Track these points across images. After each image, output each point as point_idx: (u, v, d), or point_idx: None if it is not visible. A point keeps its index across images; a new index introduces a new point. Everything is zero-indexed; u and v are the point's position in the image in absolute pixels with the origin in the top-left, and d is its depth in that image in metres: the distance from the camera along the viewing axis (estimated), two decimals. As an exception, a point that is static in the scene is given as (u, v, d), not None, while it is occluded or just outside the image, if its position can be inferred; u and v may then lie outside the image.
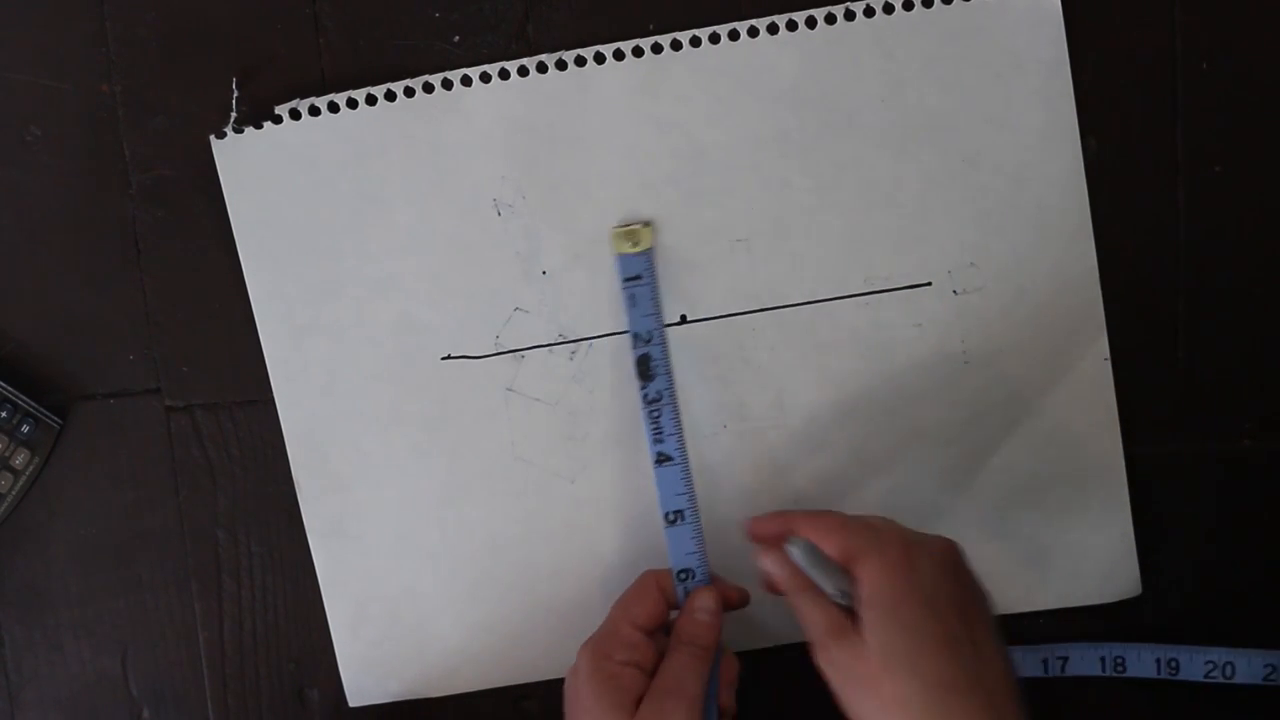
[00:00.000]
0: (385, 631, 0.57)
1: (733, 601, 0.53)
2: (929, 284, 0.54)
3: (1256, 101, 0.54)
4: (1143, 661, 0.55)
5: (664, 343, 0.53)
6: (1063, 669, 0.55)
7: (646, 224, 0.53)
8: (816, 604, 0.48)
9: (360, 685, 0.57)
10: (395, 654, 0.57)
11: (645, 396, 0.53)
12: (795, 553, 0.48)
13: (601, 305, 0.55)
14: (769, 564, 0.50)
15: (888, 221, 0.54)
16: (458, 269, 0.55)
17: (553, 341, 0.55)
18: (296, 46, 0.55)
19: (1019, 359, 0.54)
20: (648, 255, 0.53)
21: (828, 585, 0.48)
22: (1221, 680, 0.54)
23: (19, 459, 0.56)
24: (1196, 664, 0.54)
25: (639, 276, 0.53)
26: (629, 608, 0.52)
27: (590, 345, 0.55)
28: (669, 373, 0.53)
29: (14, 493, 0.56)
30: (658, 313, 0.53)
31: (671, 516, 0.53)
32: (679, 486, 0.53)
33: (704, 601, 0.52)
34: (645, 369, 0.53)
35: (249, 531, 0.57)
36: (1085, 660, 0.55)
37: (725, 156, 0.54)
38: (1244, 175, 0.54)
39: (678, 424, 0.53)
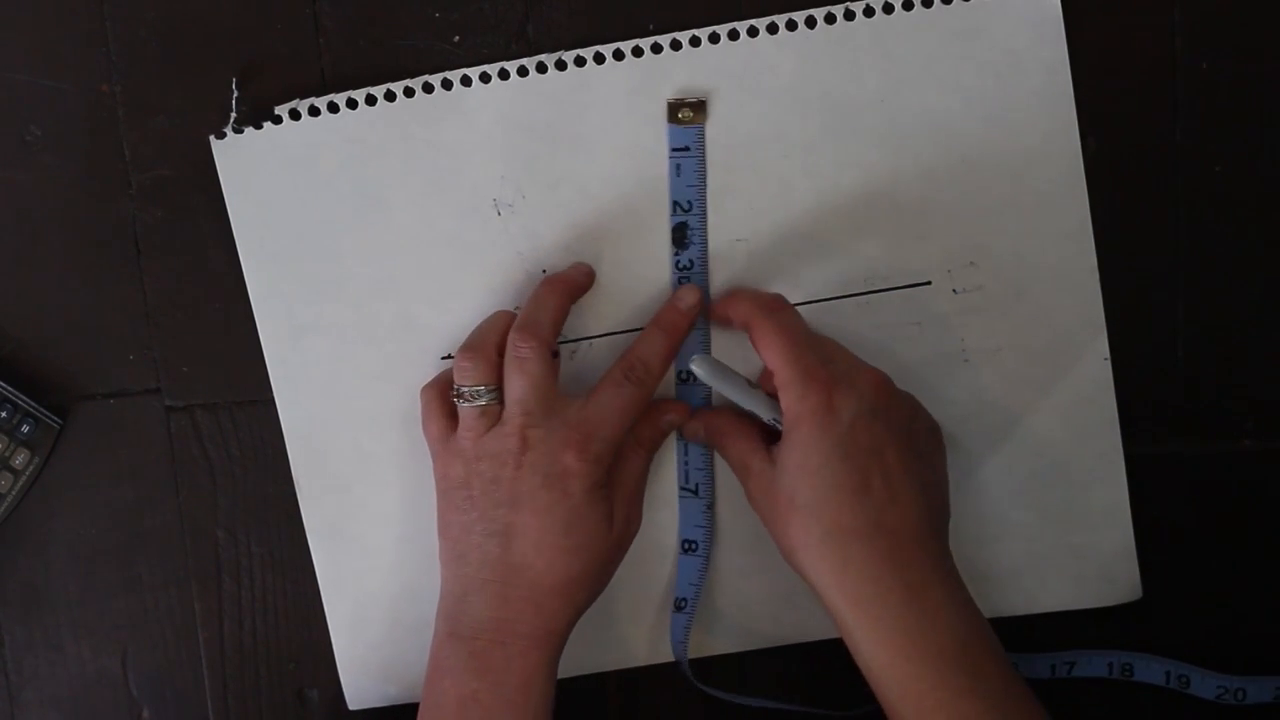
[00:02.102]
0: (385, 634, 0.57)
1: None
2: (929, 283, 0.54)
3: (1256, 101, 0.54)
4: (1151, 671, 0.55)
5: (703, 215, 0.53)
6: (1070, 671, 0.55)
7: (701, 100, 0.53)
8: (738, 450, 0.51)
9: (359, 689, 0.57)
10: (395, 657, 0.57)
11: (677, 263, 0.54)
12: (697, 367, 0.51)
13: (601, 305, 0.55)
14: (691, 428, 0.53)
15: (888, 221, 0.54)
16: (458, 269, 0.55)
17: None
18: (296, 46, 0.55)
19: (1019, 358, 0.54)
20: (699, 129, 0.53)
21: (744, 401, 0.51)
22: (1233, 703, 0.54)
23: (19, 459, 0.56)
24: (1209, 685, 0.54)
25: (687, 148, 0.53)
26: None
27: (590, 345, 0.55)
28: (704, 243, 0.54)
29: (14, 493, 0.56)
30: (701, 185, 0.53)
31: (684, 375, 0.54)
32: (696, 348, 0.54)
33: (689, 295, 0.53)
34: (681, 236, 0.53)
35: (249, 531, 0.57)
36: (1093, 664, 0.55)
37: (725, 156, 0.54)
38: (1244, 175, 0.54)
39: (706, 294, 0.54)
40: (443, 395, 0.52)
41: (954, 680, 0.45)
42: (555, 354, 0.52)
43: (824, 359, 0.49)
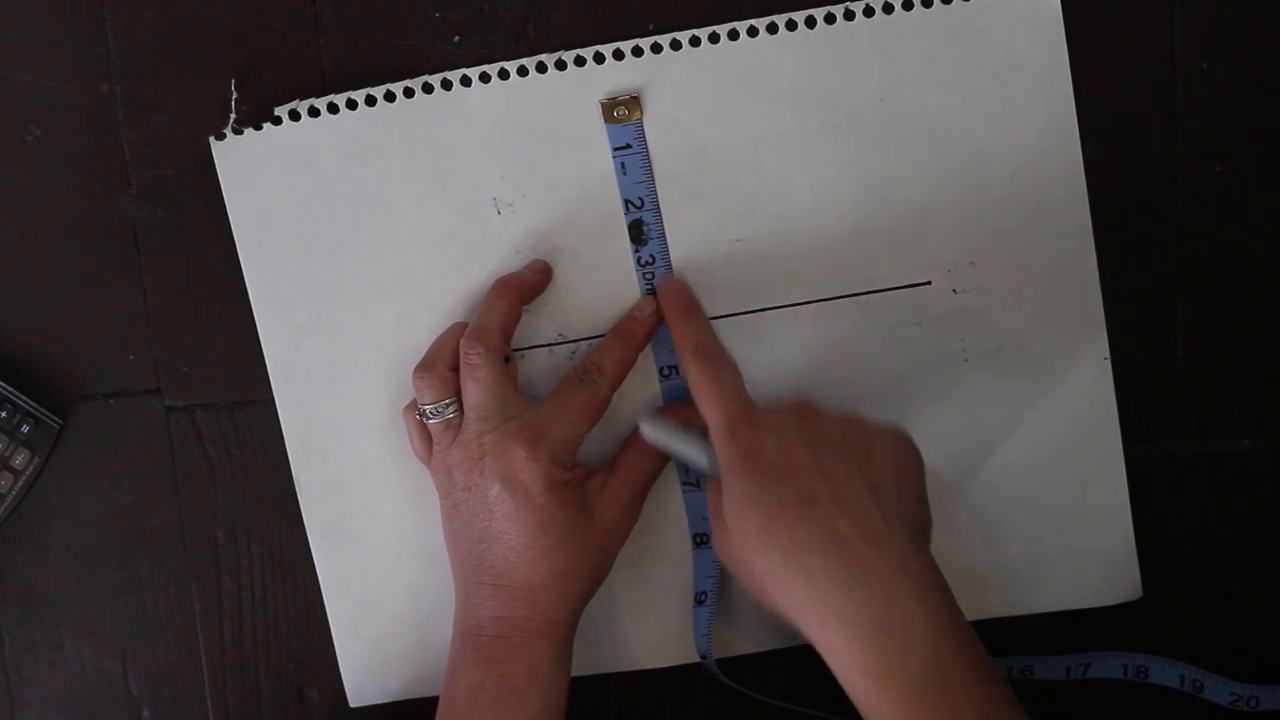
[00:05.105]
0: (386, 631, 0.57)
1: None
2: (929, 283, 0.54)
3: (1256, 101, 0.54)
4: (1166, 674, 0.55)
5: (656, 209, 0.54)
6: (1085, 673, 0.55)
7: (634, 97, 0.53)
8: (710, 513, 0.50)
9: (361, 685, 0.57)
10: (396, 653, 0.57)
11: (639, 260, 0.54)
12: (645, 427, 0.52)
13: (601, 305, 0.55)
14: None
15: (888, 221, 0.54)
16: (458, 269, 0.55)
17: (552, 341, 0.55)
18: (296, 46, 0.55)
19: (1019, 358, 0.54)
20: (636, 125, 0.53)
21: (687, 457, 0.51)
22: (1245, 710, 0.54)
23: (19, 459, 0.56)
24: (1222, 691, 0.54)
25: (628, 146, 0.53)
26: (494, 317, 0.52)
27: (590, 345, 0.55)
28: (663, 236, 0.54)
29: (14, 493, 0.56)
30: (649, 180, 0.54)
31: (665, 371, 0.55)
32: (669, 345, 0.54)
33: (646, 306, 0.54)
34: (638, 233, 0.54)
35: (249, 531, 0.57)
36: (1108, 666, 0.55)
37: (725, 156, 0.54)
38: (1244, 175, 0.54)
39: None
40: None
41: (930, 708, 0.43)
42: (508, 358, 0.52)
43: (752, 407, 0.49)
